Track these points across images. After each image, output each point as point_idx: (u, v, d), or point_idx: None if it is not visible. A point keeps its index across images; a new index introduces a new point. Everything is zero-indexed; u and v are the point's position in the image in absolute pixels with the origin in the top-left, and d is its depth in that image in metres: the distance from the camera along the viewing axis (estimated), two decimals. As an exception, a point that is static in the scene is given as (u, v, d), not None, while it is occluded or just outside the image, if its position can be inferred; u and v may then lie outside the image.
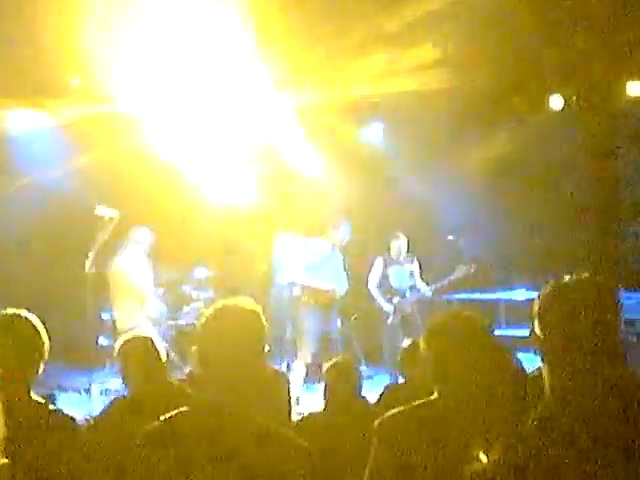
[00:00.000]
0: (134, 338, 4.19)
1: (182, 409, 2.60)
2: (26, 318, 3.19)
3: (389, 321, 9.56)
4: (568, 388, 2.23)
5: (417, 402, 2.96)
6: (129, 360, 4.04)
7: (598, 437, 2.15)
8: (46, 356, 3.19)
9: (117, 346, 4.26)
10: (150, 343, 4.15)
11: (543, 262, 10.74)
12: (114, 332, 9.88)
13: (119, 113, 9.55)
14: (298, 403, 7.57)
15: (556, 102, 11.22)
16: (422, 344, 3.04)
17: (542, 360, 2.33)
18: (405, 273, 9.68)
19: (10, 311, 3.21)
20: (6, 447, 2.45)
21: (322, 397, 4.61)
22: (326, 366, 4.74)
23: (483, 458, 2.49)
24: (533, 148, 11.31)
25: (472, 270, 9.40)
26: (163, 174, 10.38)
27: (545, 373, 2.32)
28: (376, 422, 2.92)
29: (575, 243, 11.19)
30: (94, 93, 9.25)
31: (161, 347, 4.24)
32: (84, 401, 7.94)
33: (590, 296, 2.31)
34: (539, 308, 2.34)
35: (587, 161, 11.64)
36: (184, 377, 5.33)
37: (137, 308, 8.35)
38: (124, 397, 4.18)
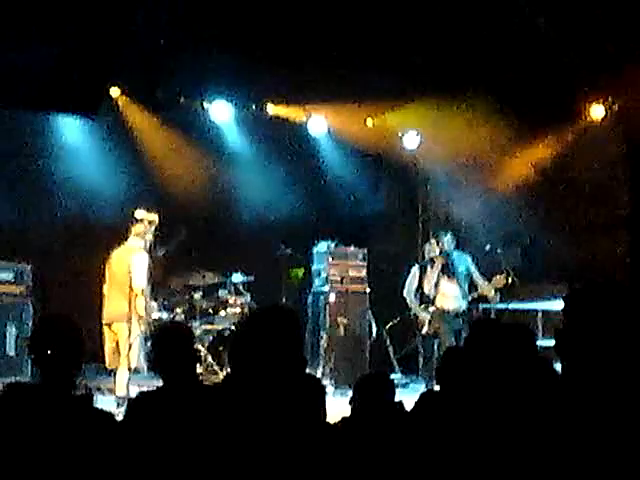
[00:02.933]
0: (172, 326, 4.10)
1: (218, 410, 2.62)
2: (68, 320, 3.26)
3: (424, 330, 9.52)
4: (578, 390, 2.22)
5: None
6: (164, 347, 3.98)
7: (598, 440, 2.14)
8: (84, 357, 3.25)
9: (154, 334, 4.18)
10: (188, 333, 4.10)
11: (581, 272, 10.64)
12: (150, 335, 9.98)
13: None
14: None
15: (597, 111, 11.15)
16: (466, 352, 3.03)
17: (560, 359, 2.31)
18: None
19: (53, 314, 3.29)
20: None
21: (350, 405, 4.63)
22: (359, 378, 4.77)
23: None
24: (573, 158, 11.22)
25: (509, 281, 9.32)
26: (203, 178, 10.51)
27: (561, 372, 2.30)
28: None
29: (614, 254, 11.07)
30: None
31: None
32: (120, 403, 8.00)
33: (614, 301, 2.30)
34: (565, 305, 2.32)
35: (627, 171, 11.52)
36: (219, 381, 5.34)
37: (124, 301, 8.01)
38: (152, 391, 4.12)
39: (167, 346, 3.95)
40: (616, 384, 2.21)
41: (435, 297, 9.37)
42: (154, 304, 9.13)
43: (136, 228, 8.21)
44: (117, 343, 8.08)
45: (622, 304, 2.28)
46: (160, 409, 3.69)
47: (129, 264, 8.04)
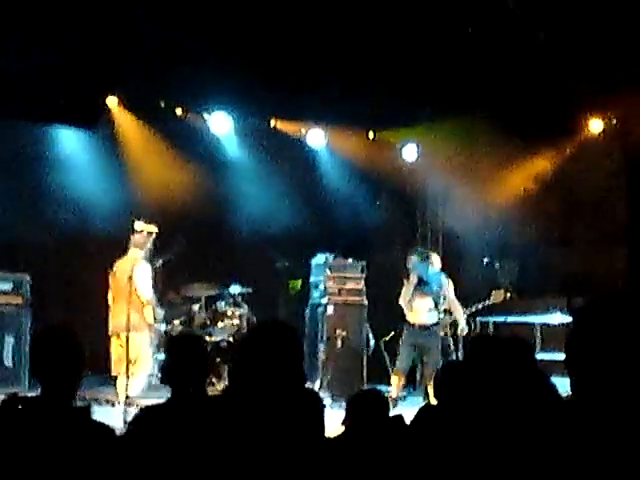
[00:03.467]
0: (186, 337, 4.07)
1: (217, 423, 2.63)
2: (68, 331, 3.27)
3: (422, 342, 9.51)
4: (587, 404, 2.22)
5: None
6: (176, 358, 3.95)
7: (608, 456, 2.14)
8: (85, 368, 3.26)
9: (167, 342, 4.15)
10: (202, 344, 4.08)
11: (579, 286, 10.66)
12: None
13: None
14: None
15: (595, 126, 11.19)
16: (465, 367, 3.04)
17: (569, 373, 2.31)
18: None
19: (53, 325, 3.29)
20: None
21: (345, 421, 4.65)
22: (353, 396, 4.77)
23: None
24: (571, 171, 11.27)
25: (508, 296, 9.33)
26: (201, 190, 10.53)
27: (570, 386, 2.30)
28: None
29: (612, 267, 11.09)
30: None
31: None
32: (118, 414, 7.98)
33: (622, 313, 2.30)
34: (573, 318, 2.32)
35: (625, 185, 11.56)
36: (218, 393, 5.35)
37: (131, 311, 8.21)
38: (159, 405, 4.10)
39: (180, 357, 3.94)
40: (631, 399, 2.21)
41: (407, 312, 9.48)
42: (162, 312, 9.19)
43: (136, 239, 8.23)
44: (126, 353, 8.12)
45: (636, 315, 2.28)
46: (160, 424, 3.68)
47: (131, 275, 8.10)
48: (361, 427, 4.54)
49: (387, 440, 4.44)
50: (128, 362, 8.10)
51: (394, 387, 9.46)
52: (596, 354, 2.23)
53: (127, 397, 7.82)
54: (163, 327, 9.54)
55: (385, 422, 4.70)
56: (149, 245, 8.48)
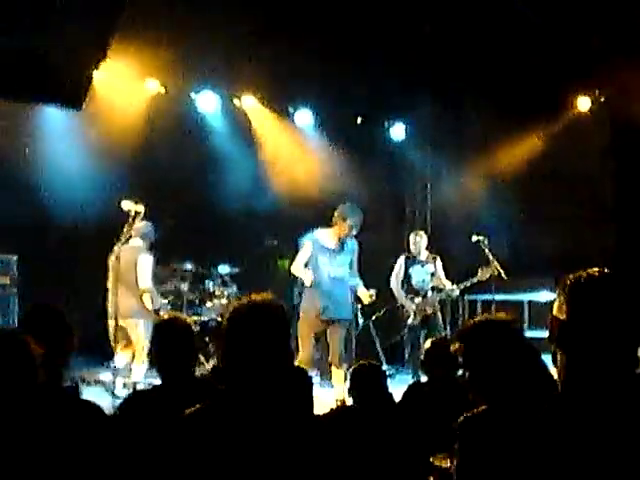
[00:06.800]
0: (173, 320, 4.02)
1: (208, 402, 2.62)
2: (56, 311, 3.24)
3: (410, 321, 9.54)
4: (583, 383, 2.22)
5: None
6: (164, 342, 3.91)
7: (606, 439, 2.14)
8: (75, 349, 3.24)
9: (154, 327, 4.08)
10: (189, 328, 4.00)
11: (568, 264, 10.69)
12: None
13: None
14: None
15: (583, 103, 11.19)
16: (456, 345, 3.03)
17: (561, 350, 2.30)
18: (427, 273, 9.64)
19: (40, 304, 3.26)
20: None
21: (348, 395, 4.69)
22: (353, 368, 4.81)
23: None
24: (560, 149, 11.26)
25: (496, 273, 9.35)
26: (190, 167, 10.47)
27: (560, 365, 2.30)
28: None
29: (600, 245, 11.12)
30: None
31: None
32: (107, 394, 7.99)
33: (617, 291, 2.30)
34: (567, 296, 2.31)
35: (613, 162, 11.57)
36: (207, 373, 5.34)
37: (133, 298, 8.42)
38: (148, 388, 4.11)
39: (164, 341, 3.90)
40: (625, 376, 2.21)
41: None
42: (162, 300, 9.30)
43: (138, 227, 8.23)
44: (128, 338, 8.50)
45: (628, 292, 2.28)
46: (148, 406, 3.68)
47: (135, 264, 8.47)
48: (363, 402, 4.58)
49: (382, 417, 4.47)
50: (127, 346, 8.45)
51: None
52: (587, 330, 2.23)
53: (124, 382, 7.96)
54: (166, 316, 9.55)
55: (385, 397, 4.75)
56: (152, 236, 8.75)
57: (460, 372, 3.01)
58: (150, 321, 8.14)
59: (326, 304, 8.27)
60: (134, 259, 8.45)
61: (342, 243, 8.44)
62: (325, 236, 8.45)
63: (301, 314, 8.37)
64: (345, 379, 7.83)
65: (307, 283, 8.32)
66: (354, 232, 8.39)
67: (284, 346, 2.67)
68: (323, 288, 8.31)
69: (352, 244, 8.54)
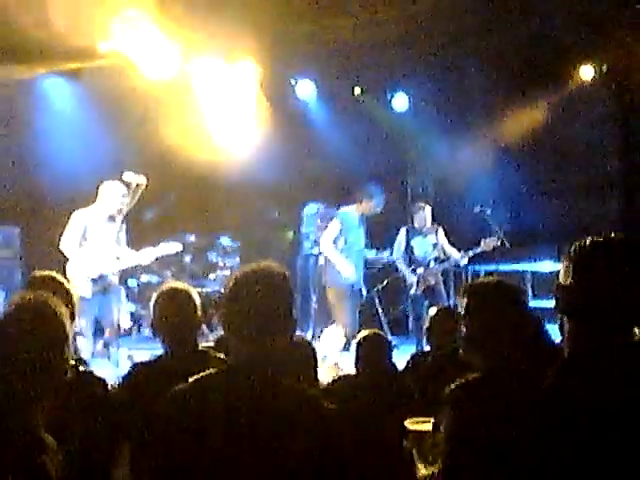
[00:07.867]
0: (172, 289, 3.92)
1: (211, 371, 2.59)
2: (58, 280, 3.22)
3: (412, 292, 9.55)
4: (589, 350, 2.21)
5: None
6: (163, 312, 3.86)
7: (612, 407, 2.13)
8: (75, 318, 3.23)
9: (153, 296, 4.00)
10: (191, 295, 3.89)
11: (570, 234, 10.67)
12: (140, 298, 9.97)
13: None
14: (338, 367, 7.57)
15: (586, 72, 11.10)
16: (460, 312, 3.01)
17: (567, 317, 2.28)
18: (429, 244, 9.63)
19: (40, 273, 3.24)
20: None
21: (354, 365, 4.71)
22: (358, 337, 4.81)
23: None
24: (563, 118, 11.20)
25: (499, 243, 9.34)
26: (191, 139, 10.39)
27: (567, 333, 2.28)
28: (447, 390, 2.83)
29: (604, 215, 11.09)
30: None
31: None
32: (111, 367, 8.00)
33: (623, 255, 2.28)
34: (573, 261, 2.29)
35: (617, 132, 11.51)
36: (211, 344, 5.32)
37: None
38: (151, 360, 4.05)
39: (168, 310, 3.84)
40: (630, 342, 2.20)
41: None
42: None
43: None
44: None
45: (634, 257, 2.26)
46: (152, 377, 3.64)
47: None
48: (368, 372, 4.59)
49: (389, 386, 4.49)
50: None
51: None
52: (592, 295, 2.22)
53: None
54: (154, 279, 9.54)
55: (390, 366, 4.77)
56: (135, 198, 8.03)
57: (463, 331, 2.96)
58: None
59: (357, 277, 8.74)
60: (86, 221, 8.14)
61: (362, 219, 8.84)
62: (351, 213, 8.84)
63: (335, 290, 8.65)
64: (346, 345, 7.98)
65: (339, 263, 8.58)
66: (378, 210, 8.81)
67: (287, 313, 2.62)
68: (353, 262, 8.66)
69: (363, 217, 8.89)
